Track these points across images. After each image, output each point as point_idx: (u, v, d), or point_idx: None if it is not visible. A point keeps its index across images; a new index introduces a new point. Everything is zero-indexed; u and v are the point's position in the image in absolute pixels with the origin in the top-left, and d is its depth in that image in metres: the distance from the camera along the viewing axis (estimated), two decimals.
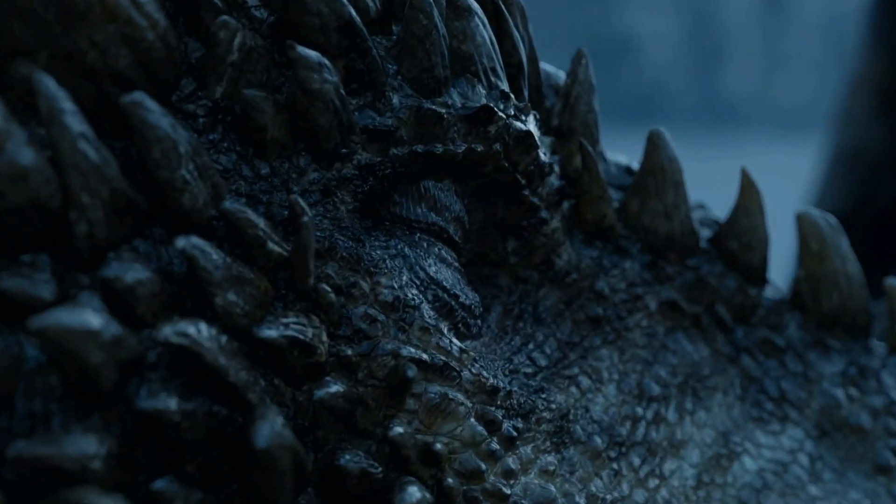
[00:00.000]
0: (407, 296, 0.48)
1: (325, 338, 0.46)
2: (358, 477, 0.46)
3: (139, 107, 0.42)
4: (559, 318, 0.55)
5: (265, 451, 0.42)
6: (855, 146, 1.38)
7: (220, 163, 0.46)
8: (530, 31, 0.56)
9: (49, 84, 0.40)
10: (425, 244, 0.50)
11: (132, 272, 0.42)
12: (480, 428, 0.48)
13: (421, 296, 0.49)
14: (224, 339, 0.43)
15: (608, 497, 0.51)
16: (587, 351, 0.54)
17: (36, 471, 0.39)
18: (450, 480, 0.47)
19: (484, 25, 0.51)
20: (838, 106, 1.43)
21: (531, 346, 0.53)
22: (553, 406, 0.51)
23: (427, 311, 0.48)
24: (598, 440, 0.52)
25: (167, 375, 0.42)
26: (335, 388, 0.45)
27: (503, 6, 0.53)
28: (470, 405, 0.48)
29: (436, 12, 0.49)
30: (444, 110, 0.49)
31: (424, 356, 0.47)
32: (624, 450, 0.52)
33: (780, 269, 3.79)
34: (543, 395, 0.51)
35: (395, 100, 0.48)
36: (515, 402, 0.50)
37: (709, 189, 5.87)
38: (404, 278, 0.48)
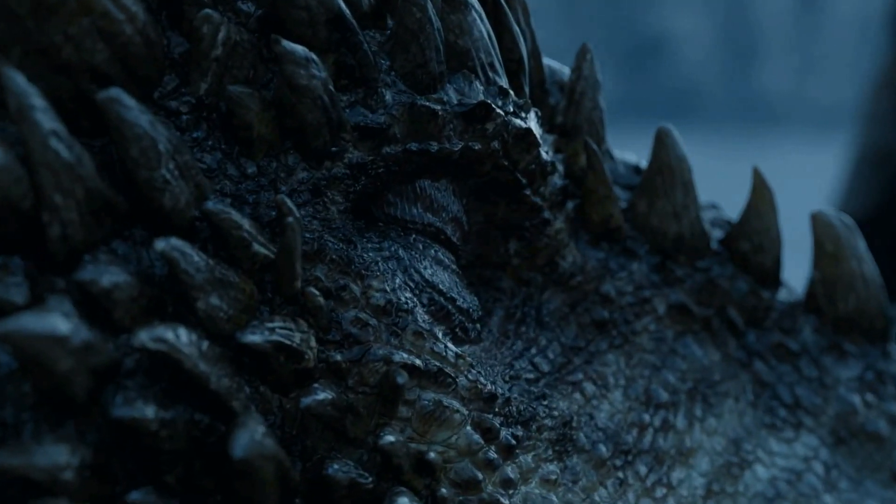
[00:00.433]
0: (400, 299, 0.46)
1: (313, 343, 0.44)
2: (347, 487, 0.44)
3: (116, 103, 0.41)
4: (563, 321, 0.53)
5: (243, 460, 0.40)
6: (880, 147, 1.36)
7: (205, 162, 0.44)
8: (532, 25, 0.54)
9: (18, 80, 0.39)
10: (421, 246, 0.49)
11: (108, 275, 0.40)
12: (477, 436, 0.47)
13: (415, 299, 0.47)
14: (205, 344, 0.41)
15: None
16: (592, 356, 0.53)
17: (4, 482, 0.38)
18: (444, 490, 0.46)
19: (482, 19, 0.49)
20: (863, 106, 1.41)
21: (534, 350, 0.51)
22: (555, 413, 0.50)
23: (421, 315, 0.47)
24: (602, 448, 0.50)
25: (145, 382, 0.40)
26: (324, 395, 0.44)
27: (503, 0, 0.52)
28: (466, 412, 0.47)
29: (430, 5, 0.47)
30: (438, 107, 0.47)
31: (417, 362, 0.46)
32: (630, 458, 0.51)
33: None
34: (545, 402, 0.50)
35: (388, 96, 0.47)
36: (515, 409, 0.48)
37: (742, 189, 5.83)
38: (397, 281, 0.47)
